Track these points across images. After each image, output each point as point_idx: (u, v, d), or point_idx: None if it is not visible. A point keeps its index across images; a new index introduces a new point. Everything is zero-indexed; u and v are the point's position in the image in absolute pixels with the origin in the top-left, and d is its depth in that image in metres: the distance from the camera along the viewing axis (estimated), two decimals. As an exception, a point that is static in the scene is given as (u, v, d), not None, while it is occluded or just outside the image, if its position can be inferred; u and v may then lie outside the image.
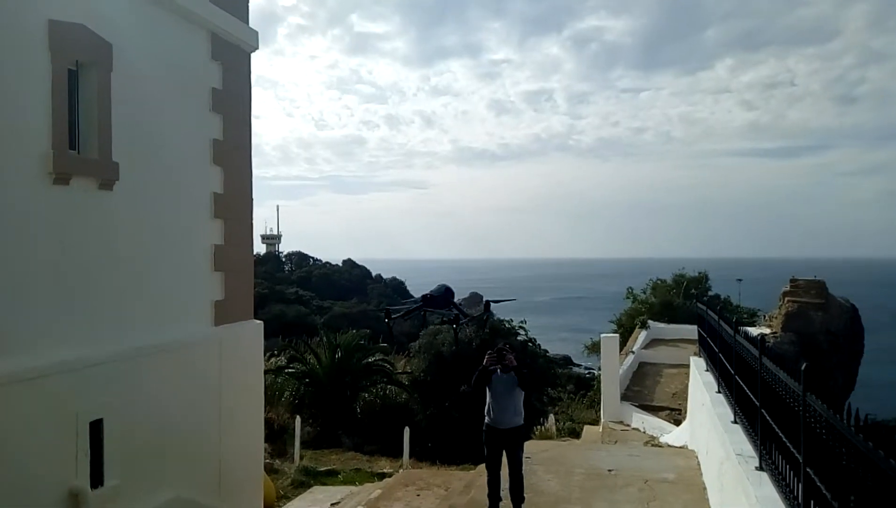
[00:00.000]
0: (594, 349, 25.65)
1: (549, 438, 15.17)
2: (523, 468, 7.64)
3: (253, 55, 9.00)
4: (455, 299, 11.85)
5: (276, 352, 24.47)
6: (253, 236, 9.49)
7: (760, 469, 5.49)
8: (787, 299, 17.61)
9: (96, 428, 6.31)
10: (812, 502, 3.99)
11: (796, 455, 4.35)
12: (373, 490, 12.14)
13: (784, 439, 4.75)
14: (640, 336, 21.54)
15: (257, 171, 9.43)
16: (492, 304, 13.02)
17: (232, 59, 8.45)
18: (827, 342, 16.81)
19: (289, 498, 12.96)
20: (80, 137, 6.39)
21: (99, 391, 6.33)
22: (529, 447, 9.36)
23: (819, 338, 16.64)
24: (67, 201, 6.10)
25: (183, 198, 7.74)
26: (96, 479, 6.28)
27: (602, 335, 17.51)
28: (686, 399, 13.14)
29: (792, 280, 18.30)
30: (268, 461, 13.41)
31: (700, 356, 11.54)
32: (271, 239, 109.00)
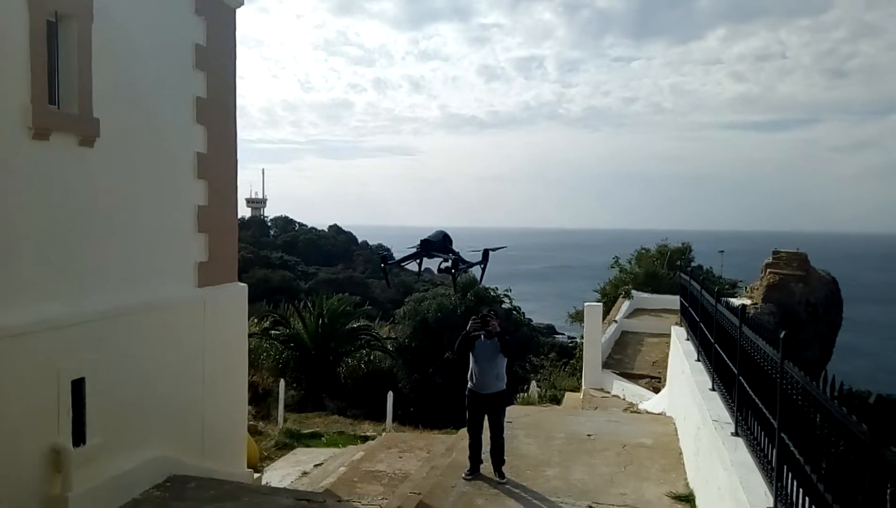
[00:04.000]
0: (577, 317, 25.85)
1: (531, 404, 15.36)
2: (505, 432, 7.75)
3: (238, 12, 8.79)
4: (452, 246, 11.69)
5: (260, 317, 24.48)
6: (237, 198, 9.40)
7: (736, 434, 5.60)
8: (769, 270, 17.85)
9: (78, 387, 6.29)
10: (785, 467, 4.08)
11: (772, 420, 4.43)
12: (356, 452, 12.28)
13: (760, 405, 4.84)
14: (624, 306, 21.73)
15: (242, 133, 9.32)
16: (490, 252, 12.85)
17: (216, 15, 8.25)
18: (806, 314, 17.10)
19: (272, 460, 13.09)
20: (59, 92, 6.24)
21: (81, 349, 6.30)
22: (511, 412, 9.48)
23: (798, 309, 16.92)
24: (47, 157, 5.98)
25: (165, 156, 7.62)
26: (78, 437, 6.29)
27: (585, 304, 17.64)
28: (665, 368, 13.33)
29: (774, 252, 18.52)
30: (252, 423, 13.49)
31: (681, 326, 11.68)
32: (256, 203, 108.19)
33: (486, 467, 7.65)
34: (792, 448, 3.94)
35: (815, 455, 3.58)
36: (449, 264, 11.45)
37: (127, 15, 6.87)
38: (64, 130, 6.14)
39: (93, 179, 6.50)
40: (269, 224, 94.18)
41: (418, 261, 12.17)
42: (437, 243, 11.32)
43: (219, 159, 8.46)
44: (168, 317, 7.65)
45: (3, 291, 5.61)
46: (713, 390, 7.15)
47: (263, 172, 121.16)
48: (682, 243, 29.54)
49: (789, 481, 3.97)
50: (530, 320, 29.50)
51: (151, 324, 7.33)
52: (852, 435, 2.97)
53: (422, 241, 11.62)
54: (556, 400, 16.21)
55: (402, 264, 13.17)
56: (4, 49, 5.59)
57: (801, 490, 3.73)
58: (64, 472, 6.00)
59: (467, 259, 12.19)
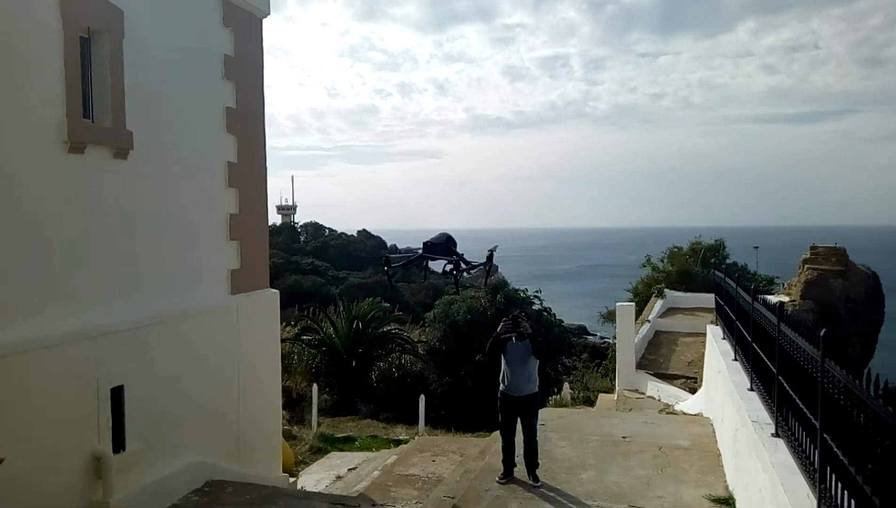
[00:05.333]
0: (609, 317, 25.60)
1: (564, 406, 15.24)
2: (538, 434, 7.69)
3: (264, 22, 8.90)
4: (456, 248, 11.69)
5: (292, 322, 24.73)
6: (268, 205, 9.51)
7: (776, 435, 5.47)
8: (806, 266, 17.44)
9: (117, 394, 6.42)
10: (828, 468, 3.97)
11: (813, 421, 4.32)
12: (389, 455, 12.31)
13: (801, 405, 4.72)
14: (657, 305, 21.45)
15: (271, 141, 9.42)
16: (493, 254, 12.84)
17: (243, 26, 8.37)
18: (846, 310, 16.66)
19: (307, 464, 13.19)
20: (93, 106, 6.38)
21: (119, 357, 6.43)
22: (544, 414, 9.42)
23: (838, 306, 16.49)
24: (83, 170, 6.12)
25: (197, 167, 7.74)
26: (118, 444, 6.41)
27: (618, 304, 17.46)
28: (701, 368, 13.12)
29: (812, 247, 18.10)
30: (286, 427, 13.62)
31: (717, 325, 11.48)
32: (286, 210, 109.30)
33: (520, 470, 7.60)
34: (835, 449, 3.83)
35: (859, 455, 3.47)
36: (451, 266, 11.49)
37: (157, 29, 7.00)
38: (98, 143, 6.28)
39: (127, 191, 6.63)
40: (300, 230, 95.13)
41: (425, 264, 12.21)
42: (440, 246, 11.36)
43: (249, 168, 8.56)
44: (202, 324, 7.77)
45: (42, 301, 5.75)
46: (751, 390, 7.00)
47: (293, 179, 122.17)
48: (716, 240, 29.06)
49: (833, 483, 3.86)
50: (561, 320, 29.29)
51: (186, 331, 7.44)
52: (899, 435, 2.87)
53: (424, 243, 11.68)
54: (590, 402, 16.06)
55: (406, 267, 13.22)
56: (41, 66, 5.74)
57: (845, 491, 3.62)
58: (105, 478, 6.12)
59: (470, 260, 12.18)
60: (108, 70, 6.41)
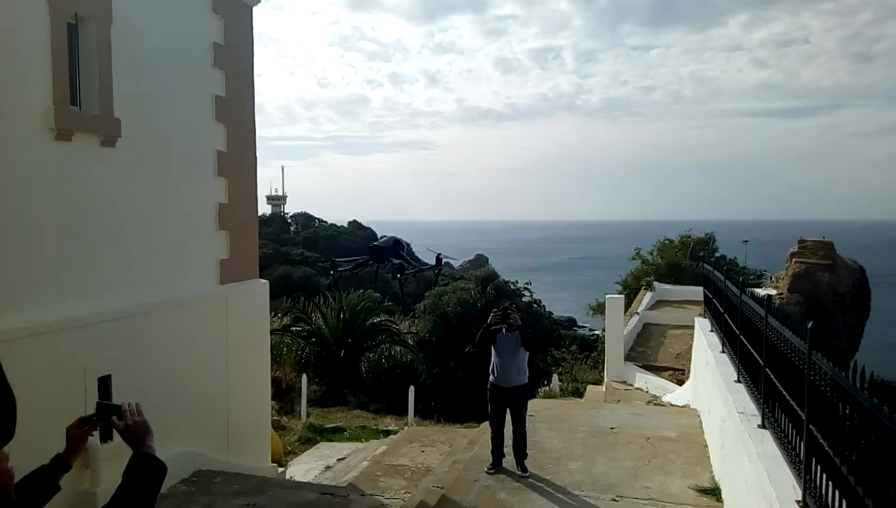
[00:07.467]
0: (599, 309, 25.70)
1: (553, 397, 15.30)
2: (527, 425, 7.72)
3: (254, 10, 8.82)
4: (404, 252, 11.86)
5: (281, 313, 24.65)
6: (257, 195, 9.46)
7: (763, 427, 5.51)
8: (794, 260, 17.57)
9: (105, 384, 6.39)
10: (814, 459, 4.01)
11: (799, 413, 4.35)
12: (378, 446, 12.33)
13: (787, 397, 4.76)
14: (646, 298, 21.56)
15: (261, 131, 9.36)
16: (444, 260, 13.08)
17: (233, 13, 8.29)
18: (833, 303, 16.81)
19: (296, 454, 13.18)
20: (80, 93, 6.31)
21: (106, 347, 6.39)
22: (533, 405, 9.45)
23: (825, 299, 16.64)
24: (70, 158, 6.06)
25: (186, 155, 7.68)
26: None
27: (607, 296, 17.52)
28: (689, 360, 13.20)
29: (800, 241, 18.24)
30: (275, 418, 13.59)
31: (705, 317, 11.55)
32: (276, 200, 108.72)
33: (509, 461, 7.63)
34: (821, 441, 3.86)
35: (845, 447, 3.51)
36: (395, 270, 11.66)
37: (145, 15, 6.92)
38: (86, 130, 6.21)
39: (115, 179, 6.57)
40: (290, 221, 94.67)
41: (376, 267, 12.37)
42: (387, 250, 11.53)
43: (239, 157, 8.51)
44: (191, 314, 7.73)
45: (29, 290, 5.70)
46: (738, 381, 7.05)
47: (283, 170, 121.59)
48: (705, 234, 29.20)
49: (818, 474, 3.90)
50: (551, 312, 29.38)
51: (175, 321, 7.40)
52: (884, 427, 2.90)
53: (371, 247, 11.85)
54: (578, 393, 16.13)
55: (355, 271, 13.35)
56: (27, 52, 5.66)
57: (830, 482, 3.66)
58: (92, 468, 6.10)
59: (417, 265, 12.36)
60: (96, 57, 6.33)
